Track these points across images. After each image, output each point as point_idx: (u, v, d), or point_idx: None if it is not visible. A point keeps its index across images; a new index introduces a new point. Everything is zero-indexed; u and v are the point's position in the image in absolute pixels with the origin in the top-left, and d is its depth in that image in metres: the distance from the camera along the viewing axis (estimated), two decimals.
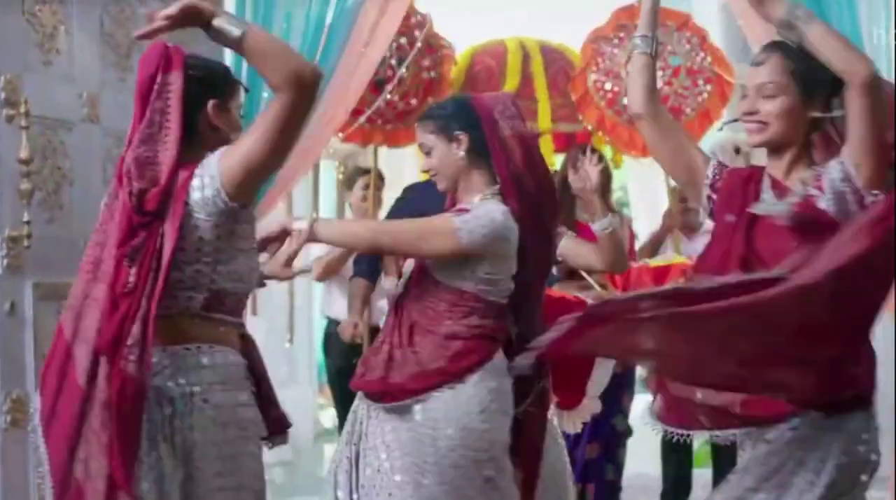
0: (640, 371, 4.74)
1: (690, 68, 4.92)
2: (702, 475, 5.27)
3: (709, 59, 4.94)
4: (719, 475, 5.21)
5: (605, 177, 4.41)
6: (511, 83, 5.23)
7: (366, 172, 5.20)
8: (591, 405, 3.44)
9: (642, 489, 5.38)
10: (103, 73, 3.74)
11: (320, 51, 4.30)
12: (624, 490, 4.65)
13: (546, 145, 5.28)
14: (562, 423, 3.35)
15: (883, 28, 3.84)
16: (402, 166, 5.60)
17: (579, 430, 3.54)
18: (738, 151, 5.90)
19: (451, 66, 5.10)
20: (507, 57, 5.34)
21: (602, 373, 3.37)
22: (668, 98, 4.89)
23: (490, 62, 5.34)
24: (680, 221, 5.16)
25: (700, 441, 5.53)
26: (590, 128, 5.11)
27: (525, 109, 5.23)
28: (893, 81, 3.81)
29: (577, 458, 4.31)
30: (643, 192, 7.41)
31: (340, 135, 5.01)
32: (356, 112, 4.77)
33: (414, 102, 4.98)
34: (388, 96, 4.87)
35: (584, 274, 4.12)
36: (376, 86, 4.81)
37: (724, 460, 5.16)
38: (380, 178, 5.27)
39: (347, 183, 5.42)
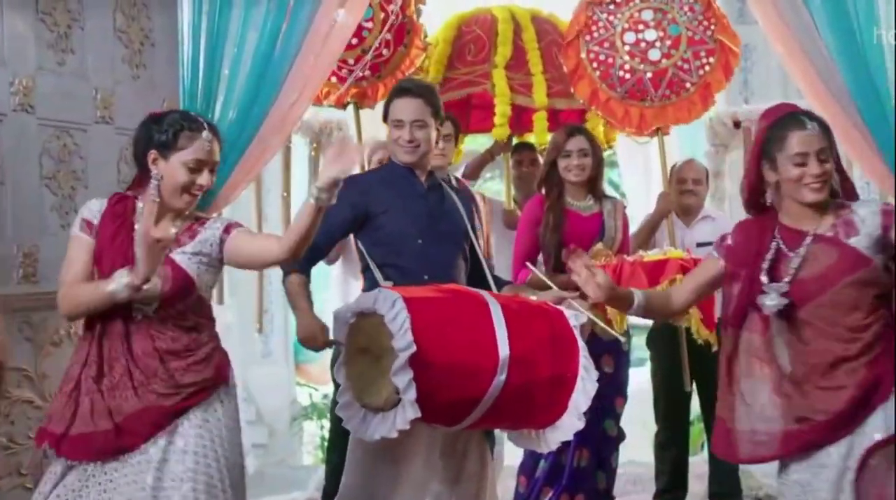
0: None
1: (692, 38, 4.61)
2: (696, 464, 5.04)
3: (712, 27, 4.63)
4: (716, 464, 4.93)
5: (597, 166, 4.14)
6: (503, 53, 5.00)
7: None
8: (571, 424, 2.91)
9: (633, 479, 5.17)
10: (39, 56, 3.41)
11: (285, 26, 3.95)
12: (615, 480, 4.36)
13: (540, 123, 5.02)
14: (539, 444, 2.96)
15: (883, 28, 3.79)
16: (379, 126, 5.27)
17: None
18: (737, 124, 5.64)
19: (420, 5, 4.79)
20: (497, 26, 5.10)
21: (582, 398, 2.87)
22: (667, 71, 4.60)
23: (479, 31, 5.08)
24: (677, 204, 4.74)
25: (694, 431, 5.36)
26: (581, 102, 4.80)
27: (518, 82, 5.00)
28: (894, 81, 3.64)
29: (567, 465, 4.02)
30: (636, 172, 7.00)
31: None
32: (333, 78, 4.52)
33: (385, 52, 4.70)
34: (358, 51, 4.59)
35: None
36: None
37: None
38: None
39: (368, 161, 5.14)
